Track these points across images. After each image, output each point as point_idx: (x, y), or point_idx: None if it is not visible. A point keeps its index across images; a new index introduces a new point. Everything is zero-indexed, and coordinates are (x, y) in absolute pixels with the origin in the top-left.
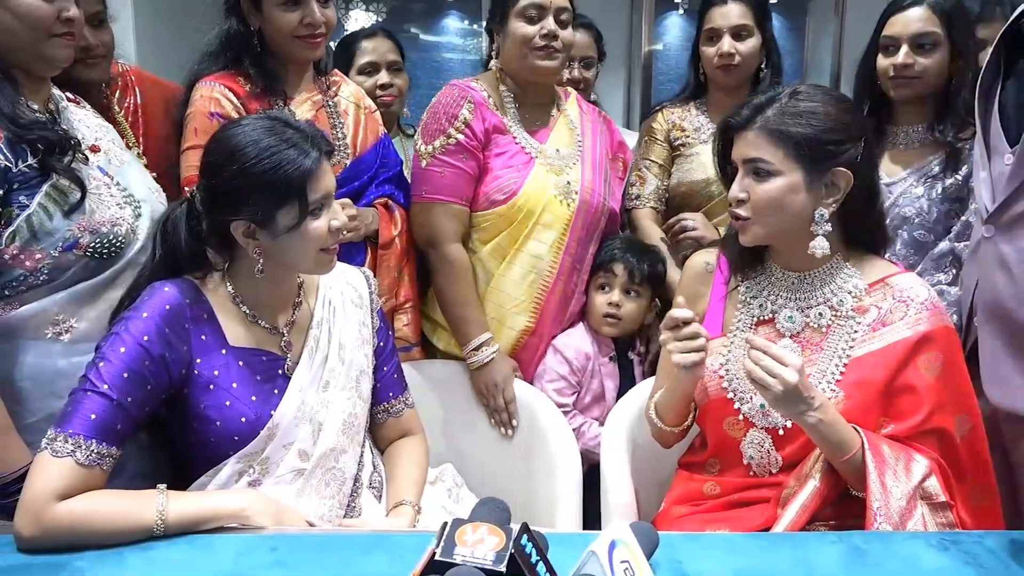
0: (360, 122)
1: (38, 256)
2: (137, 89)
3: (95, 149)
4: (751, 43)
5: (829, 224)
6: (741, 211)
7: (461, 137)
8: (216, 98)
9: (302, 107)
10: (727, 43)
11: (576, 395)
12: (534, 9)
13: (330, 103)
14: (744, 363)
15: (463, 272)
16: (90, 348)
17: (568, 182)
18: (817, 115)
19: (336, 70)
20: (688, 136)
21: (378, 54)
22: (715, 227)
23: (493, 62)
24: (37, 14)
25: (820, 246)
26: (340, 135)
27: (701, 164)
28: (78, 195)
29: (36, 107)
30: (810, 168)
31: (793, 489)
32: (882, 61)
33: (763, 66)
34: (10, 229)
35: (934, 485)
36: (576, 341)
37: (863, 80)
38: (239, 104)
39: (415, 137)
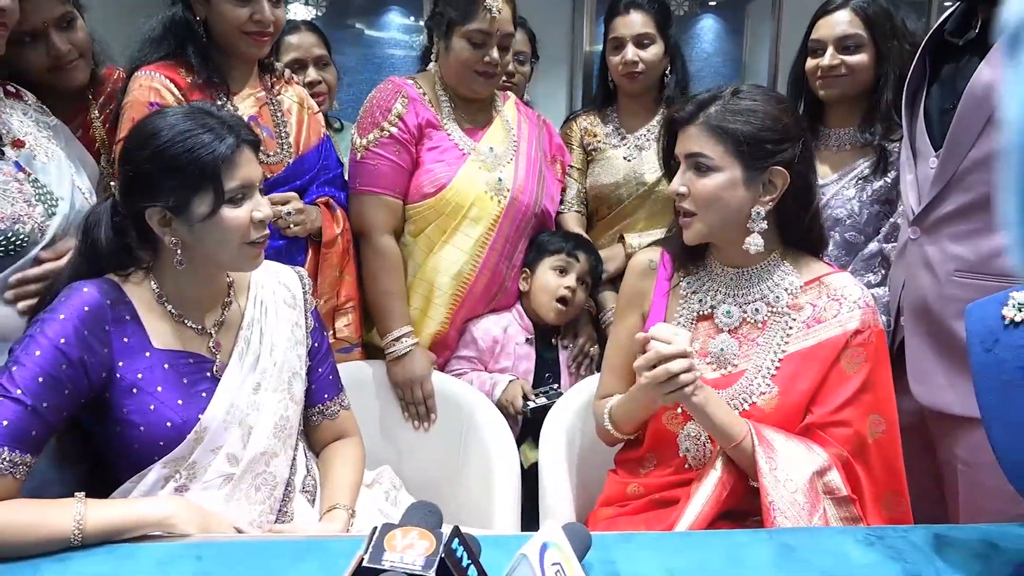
0: (303, 121)
1: None
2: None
3: (18, 144)
4: (654, 50)
5: (765, 222)
6: (685, 204)
7: (394, 130)
8: (156, 88)
9: (245, 102)
10: (630, 51)
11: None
12: (480, 35)
13: (274, 101)
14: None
15: (392, 263)
16: None
17: (500, 179)
18: (757, 114)
19: (289, 72)
20: (600, 141)
21: (303, 50)
22: (624, 239)
23: (432, 64)
24: None
25: (755, 243)
26: (283, 133)
27: (612, 168)
28: None
29: None
30: (749, 165)
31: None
32: (810, 63)
33: (668, 71)
34: None
35: (835, 479)
36: (486, 324)
37: (795, 82)
38: (180, 95)
39: (352, 130)
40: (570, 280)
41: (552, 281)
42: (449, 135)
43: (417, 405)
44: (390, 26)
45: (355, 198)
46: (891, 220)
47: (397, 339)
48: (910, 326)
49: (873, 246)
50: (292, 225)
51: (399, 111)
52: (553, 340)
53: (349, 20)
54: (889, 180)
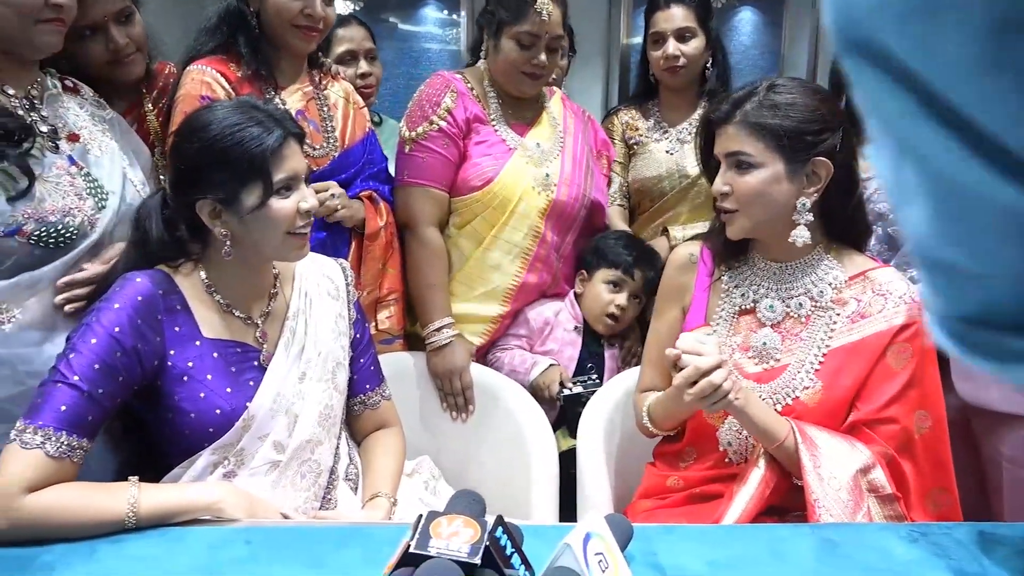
0: (349, 116)
1: None
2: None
3: (73, 138)
4: (695, 44)
5: (811, 214)
6: (727, 204)
7: (443, 124)
8: (208, 82)
9: (292, 96)
10: (672, 46)
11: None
12: (529, 37)
13: (321, 95)
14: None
15: (436, 255)
16: (32, 340)
17: (547, 174)
18: (795, 107)
19: (337, 67)
20: (641, 135)
21: (355, 42)
22: (668, 232)
23: (481, 61)
24: (24, 0)
25: (801, 235)
26: (329, 128)
27: (654, 161)
28: (25, 183)
29: (12, 91)
30: (790, 158)
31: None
32: None
33: (709, 65)
34: None
35: (880, 477)
36: (540, 307)
37: (836, 75)
38: (230, 89)
39: (400, 124)
40: (622, 298)
41: (605, 296)
42: (496, 130)
43: (456, 396)
44: (425, 20)
45: (402, 190)
46: None
47: (438, 329)
48: None
49: None
50: (339, 208)
51: (448, 105)
52: (602, 340)
53: (384, 14)
54: None
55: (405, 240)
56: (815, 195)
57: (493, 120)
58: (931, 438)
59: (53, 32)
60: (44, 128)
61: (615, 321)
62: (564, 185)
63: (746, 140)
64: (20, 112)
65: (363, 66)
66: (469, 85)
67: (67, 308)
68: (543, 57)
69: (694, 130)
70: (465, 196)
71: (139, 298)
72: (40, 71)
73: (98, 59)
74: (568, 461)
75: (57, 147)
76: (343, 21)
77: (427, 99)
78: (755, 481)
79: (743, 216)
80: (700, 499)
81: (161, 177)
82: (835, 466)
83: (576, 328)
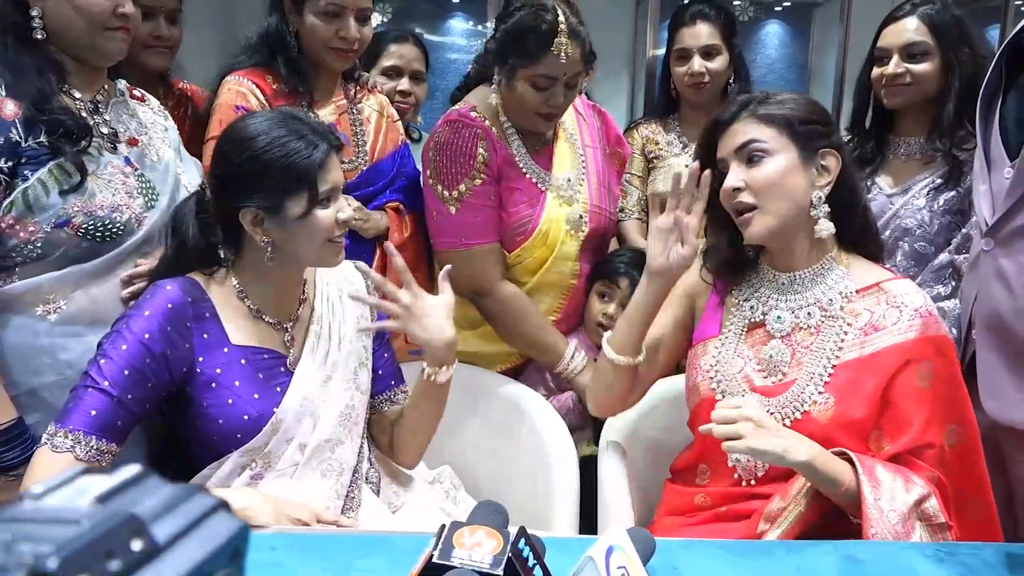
0: (381, 129)
1: (31, 228)
2: (191, 106)
3: (132, 142)
4: (720, 61)
5: (827, 206)
6: (743, 198)
7: (484, 177)
8: (243, 92)
9: (325, 110)
10: (697, 63)
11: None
12: (546, 80)
13: (354, 109)
14: (714, 430)
15: (523, 305)
16: (74, 331)
17: (580, 215)
18: (798, 101)
19: (374, 81)
20: (661, 149)
21: (404, 60)
22: None
23: (493, 96)
24: (96, 8)
25: (826, 227)
26: (361, 141)
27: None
28: (78, 178)
29: (79, 95)
30: (803, 145)
31: (777, 507)
32: (875, 71)
33: (731, 80)
34: (8, 199)
35: (933, 506)
36: None
37: (861, 91)
38: (264, 101)
39: (432, 183)
40: (610, 308)
41: (595, 306)
42: (524, 172)
43: None
44: (452, 31)
45: (462, 255)
46: (963, 231)
47: (571, 359)
48: (982, 339)
49: (943, 257)
50: (362, 224)
51: (483, 156)
52: None
53: (411, 25)
54: (962, 190)
55: (483, 308)
56: (827, 188)
57: (519, 160)
58: (963, 451)
59: (119, 39)
60: (105, 130)
61: (604, 330)
62: (594, 216)
63: (757, 129)
64: (84, 114)
65: (404, 83)
66: (488, 123)
67: (123, 294)
68: (560, 98)
69: None
70: (508, 251)
71: (169, 305)
72: (110, 79)
73: (137, 40)
74: (588, 467)
75: (115, 148)
76: (401, 38)
77: (461, 153)
78: (791, 519)
79: (765, 213)
80: (730, 518)
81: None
82: (895, 500)
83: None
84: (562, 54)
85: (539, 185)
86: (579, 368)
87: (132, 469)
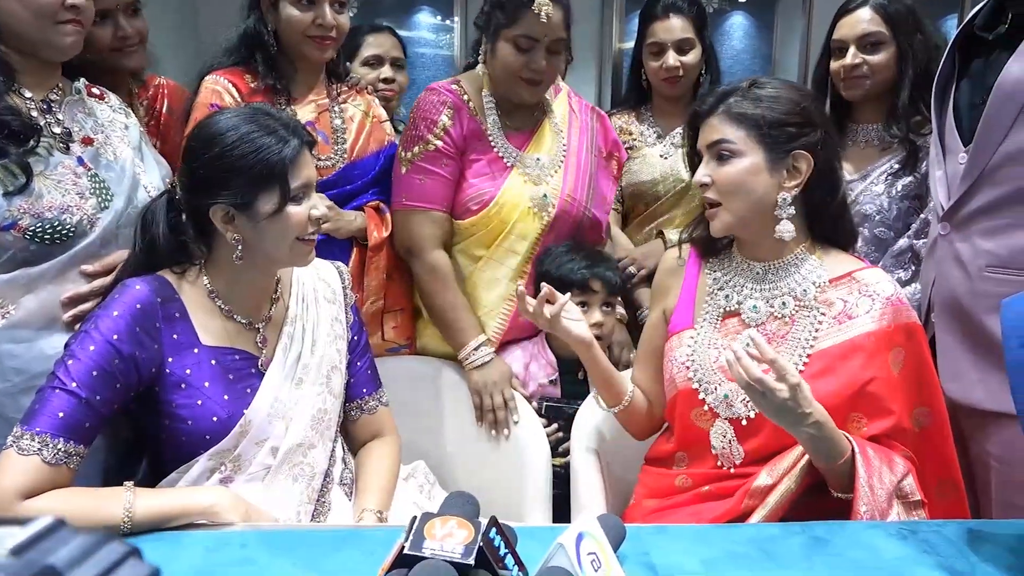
0: (364, 128)
1: None
2: (167, 102)
3: (87, 141)
4: (694, 55)
5: (793, 208)
6: (709, 194)
7: (440, 144)
8: (218, 91)
9: (305, 108)
10: (672, 57)
11: None
12: (527, 40)
13: (336, 107)
14: (736, 370)
15: (448, 278)
16: (23, 336)
17: (544, 195)
18: (778, 100)
19: (364, 82)
20: (635, 140)
21: (383, 49)
22: (664, 235)
23: (480, 67)
24: (41, 1)
25: (786, 229)
26: (340, 139)
27: (649, 165)
28: (24, 180)
29: (29, 94)
30: (771, 148)
31: (765, 483)
32: (834, 64)
33: (703, 72)
34: None
35: (910, 484)
36: (509, 358)
37: (818, 83)
38: (239, 99)
39: (399, 144)
40: (594, 315)
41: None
42: (493, 146)
43: (497, 411)
44: (419, 25)
45: (402, 214)
46: (921, 216)
47: (475, 349)
48: (941, 322)
49: (903, 242)
50: (331, 227)
51: (444, 124)
52: (580, 373)
53: (378, 19)
54: (919, 175)
55: (413, 268)
56: (796, 189)
57: (491, 135)
58: (931, 432)
59: (71, 33)
60: (57, 130)
61: (598, 339)
62: (564, 203)
63: (728, 128)
64: (34, 113)
65: (387, 71)
66: (465, 97)
67: (65, 317)
68: (542, 61)
69: None
70: (460, 220)
71: (138, 306)
72: (65, 76)
73: (103, 45)
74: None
75: (68, 148)
76: (376, 29)
77: (423, 117)
78: (780, 494)
79: (724, 210)
80: (714, 497)
81: (171, 182)
82: (883, 480)
83: (552, 381)
84: (542, 14)
85: (505, 160)
86: (479, 362)
87: (44, 520)
